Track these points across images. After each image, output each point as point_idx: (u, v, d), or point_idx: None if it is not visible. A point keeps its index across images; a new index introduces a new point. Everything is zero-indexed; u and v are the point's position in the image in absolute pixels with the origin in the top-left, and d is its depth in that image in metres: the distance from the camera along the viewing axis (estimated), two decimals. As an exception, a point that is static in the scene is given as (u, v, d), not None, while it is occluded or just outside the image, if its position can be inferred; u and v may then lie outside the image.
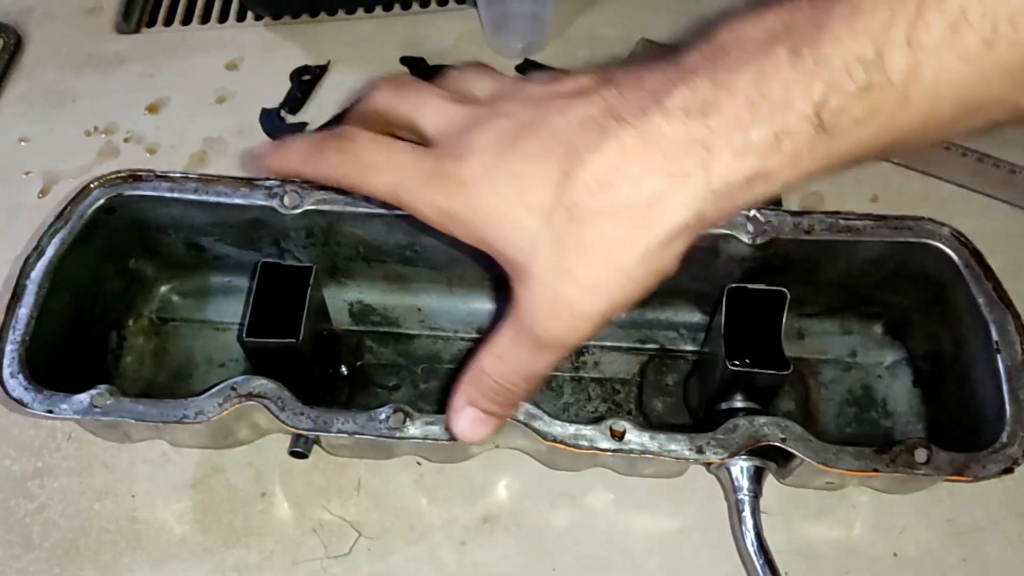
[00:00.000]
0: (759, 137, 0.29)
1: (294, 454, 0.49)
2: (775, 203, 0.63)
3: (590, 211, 0.32)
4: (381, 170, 0.36)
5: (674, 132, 0.30)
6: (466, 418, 0.39)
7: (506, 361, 0.37)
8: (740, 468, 0.46)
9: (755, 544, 0.46)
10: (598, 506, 0.52)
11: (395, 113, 0.39)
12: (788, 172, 0.30)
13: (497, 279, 0.56)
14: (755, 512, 0.46)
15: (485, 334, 0.57)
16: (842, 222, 0.49)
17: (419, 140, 0.38)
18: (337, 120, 0.69)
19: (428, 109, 0.37)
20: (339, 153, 0.38)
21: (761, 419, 0.44)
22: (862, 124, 0.29)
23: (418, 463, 0.53)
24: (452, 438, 0.42)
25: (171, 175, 0.51)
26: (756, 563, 0.46)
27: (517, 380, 0.37)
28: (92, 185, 0.50)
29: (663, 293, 0.55)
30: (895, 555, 0.50)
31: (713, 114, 0.30)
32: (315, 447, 0.50)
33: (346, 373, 0.56)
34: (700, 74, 0.30)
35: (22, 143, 0.71)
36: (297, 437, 0.49)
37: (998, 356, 0.46)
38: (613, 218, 0.31)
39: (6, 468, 0.55)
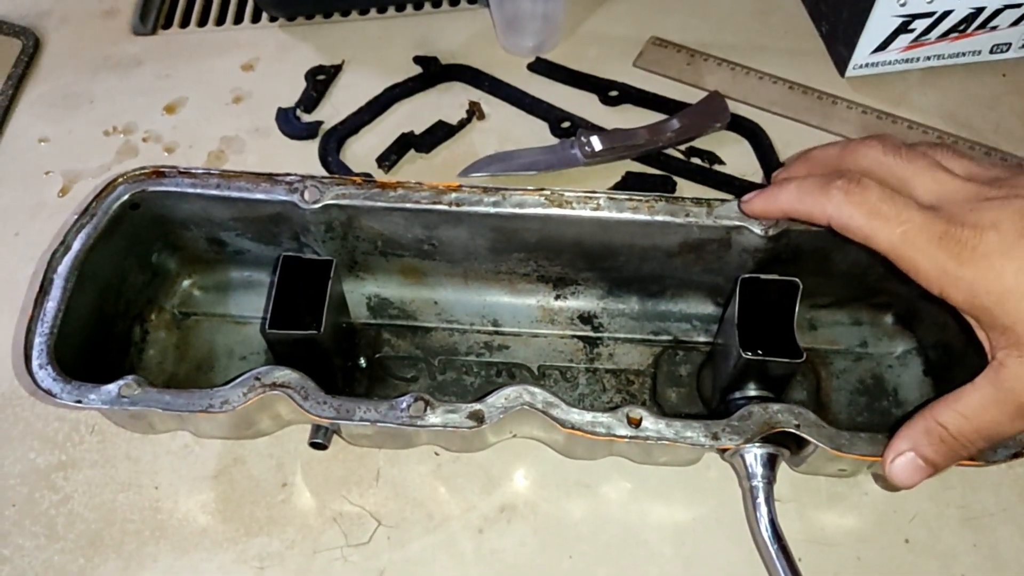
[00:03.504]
0: None
1: (314, 445, 0.50)
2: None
3: None
4: (889, 220, 0.40)
5: None
6: (905, 462, 0.41)
7: (972, 421, 0.40)
8: (754, 455, 0.47)
9: (769, 530, 0.47)
10: (614, 495, 0.53)
11: (887, 175, 0.42)
12: None
13: (511, 273, 0.57)
14: (769, 498, 0.47)
15: (500, 327, 0.58)
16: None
17: None
18: (357, 115, 0.71)
19: (928, 176, 0.41)
20: (847, 196, 0.41)
21: (775, 406, 0.45)
22: None
23: (436, 453, 0.54)
24: (884, 481, 0.47)
25: (194, 171, 0.52)
26: (771, 549, 0.46)
27: (978, 440, 0.40)
28: (117, 181, 0.51)
29: (676, 286, 0.56)
30: (907, 541, 0.51)
31: None
32: (335, 438, 0.51)
33: (364, 365, 0.57)
34: None
35: (42, 143, 0.72)
36: (317, 428, 0.50)
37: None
38: None
39: (31, 461, 0.55)
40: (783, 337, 0.48)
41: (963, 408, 0.40)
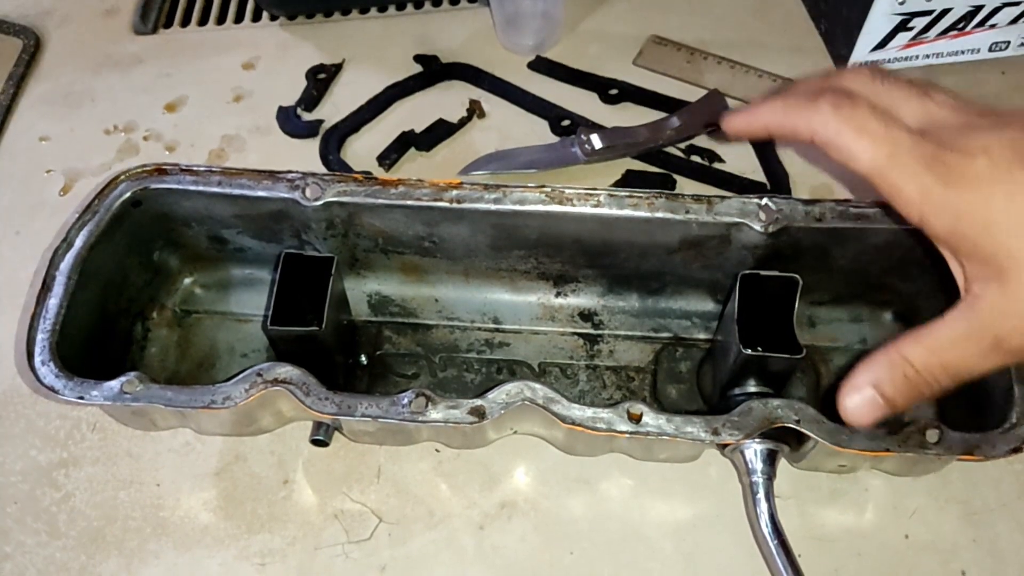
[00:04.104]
0: None
1: (315, 442, 0.50)
2: (785, 192, 0.64)
3: None
4: (876, 137, 0.38)
5: None
6: (863, 399, 0.39)
7: (940, 356, 0.38)
8: (754, 451, 0.47)
9: (769, 526, 0.47)
10: (614, 492, 0.53)
11: (875, 98, 0.40)
12: None
13: (512, 270, 0.57)
14: (769, 494, 0.47)
15: (501, 324, 0.59)
16: (852, 210, 0.50)
17: None
18: (357, 113, 0.71)
19: (914, 102, 0.39)
20: (836, 109, 0.39)
21: (775, 402, 0.45)
22: None
23: (436, 450, 0.54)
24: (837, 419, 0.42)
25: (195, 168, 0.52)
26: (771, 544, 0.46)
27: (944, 378, 0.38)
28: (119, 178, 0.52)
29: (676, 283, 0.57)
30: (906, 537, 0.51)
31: None
32: (336, 435, 0.51)
33: (365, 362, 0.57)
34: None
35: (43, 142, 0.72)
36: (318, 425, 0.50)
37: (1007, 339, 0.47)
38: None
39: (32, 459, 0.56)
40: (783, 333, 0.48)
41: (932, 342, 0.38)
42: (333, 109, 0.72)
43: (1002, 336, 0.36)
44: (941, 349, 0.38)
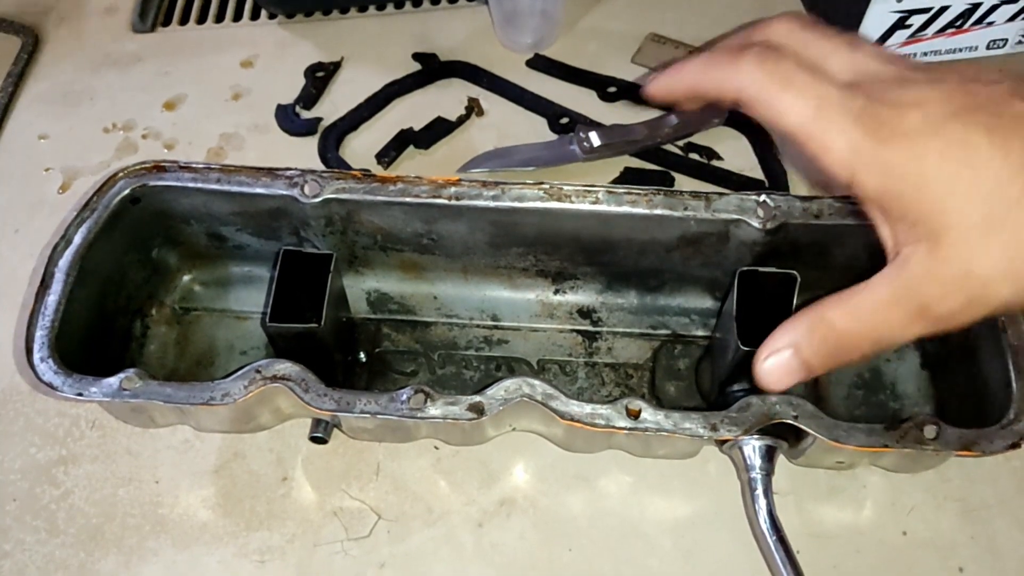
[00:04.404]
0: None
1: (314, 439, 0.50)
2: (783, 189, 0.65)
3: None
4: (803, 91, 0.35)
5: None
6: (780, 361, 0.37)
7: (864, 321, 0.35)
8: (752, 447, 0.47)
9: (768, 522, 0.47)
10: (613, 489, 0.53)
11: (802, 50, 0.37)
12: None
13: (510, 267, 0.57)
14: (768, 490, 0.47)
15: (499, 321, 0.59)
16: (850, 207, 0.50)
17: None
18: (356, 111, 0.71)
19: (846, 53, 0.37)
20: (759, 64, 0.36)
21: (773, 398, 0.45)
22: None
23: (435, 447, 0.54)
24: (751, 383, 0.40)
25: (194, 166, 0.52)
26: (769, 540, 0.47)
27: (866, 344, 0.36)
28: (118, 175, 0.52)
29: (675, 280, 0.57)
30: (904, 534, 0.51)
31: None
32: (335, 432, 0.51)
33: (364, 360, 0.57)
34: None
35: (42, 140, 0.72)
36: (317, 422, 0.50)
37: (1004, 335, 0.47)
38: None
39: (31, 456, 0.56)
40: (781, 330, 0.48)
41: (856, 306, 0.35)
42: (332, 107, 0.72)
43: (928, 302, 0.34)
44: (864, 313, 0.35)
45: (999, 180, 0.32)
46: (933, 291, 0.33)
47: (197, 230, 0.56)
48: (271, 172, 0.52)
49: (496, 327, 0.59)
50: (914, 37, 0.70)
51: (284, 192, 0.51)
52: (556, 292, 0.59)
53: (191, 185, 0.52)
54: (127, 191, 0.52)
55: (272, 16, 0.80)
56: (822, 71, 0.36)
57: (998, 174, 0.32)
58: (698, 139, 0.68)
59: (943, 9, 0.68)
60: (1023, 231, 0.32)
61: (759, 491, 0.47)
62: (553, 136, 0.69)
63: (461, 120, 0.71)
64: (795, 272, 0.48)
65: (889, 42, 0.70)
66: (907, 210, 0.34)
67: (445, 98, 0.72)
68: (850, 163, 0.34)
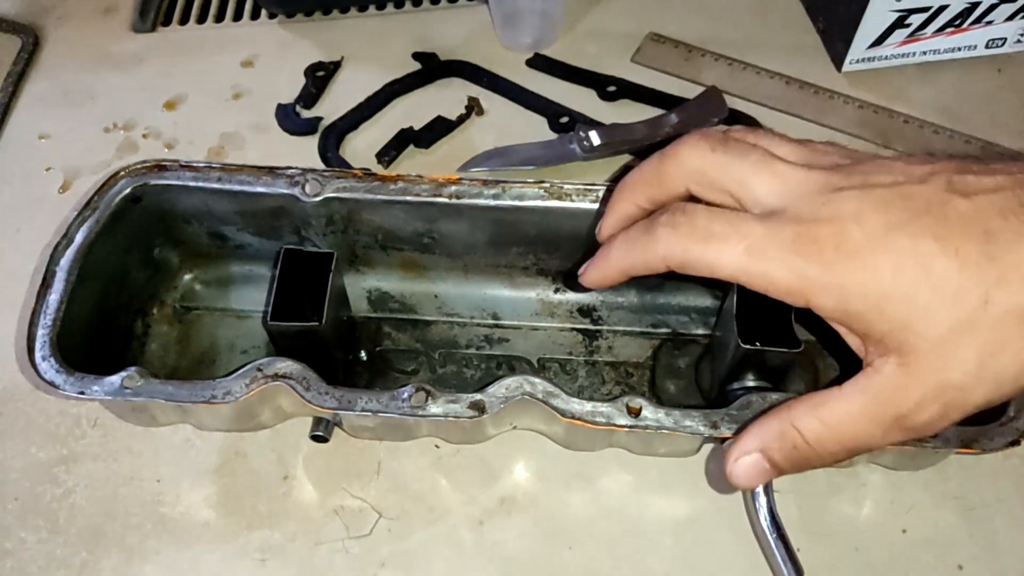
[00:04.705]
0: None
1: (315, 438, 0.50)
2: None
3: (1009, 304, 0.31)
4: (726, 239, 0.35)
5: None
6: (749, 464, 0.37)
7: (836, 432, 0.35)
8: (753, 445, 0.47)
9: (768, 520, 0.47)
10: (613, 487, 0.53)
11: (721, 173, 0.37)
12: None
13: (511, 266, 0.57)
14: (768, 488, 0.47)
15: (500, 320, 0.59)
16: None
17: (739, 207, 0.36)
18: (356, 111, 0.71)
19: (766, 172, 0.36)
20: (673, 229, 0.36)
21: (774, 395, 0.46)
22: None
23: (436, 446, 0.55)
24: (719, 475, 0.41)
25: (195, 164, 0.52)
26: (770, 538, 0.46)
27: (839, 452, 0.35)
28: (119, 174, 0.52)
29: (675, 278, 0.56)
30: (904, 531, 0.51)
31: None
32: (336, 431, 0.51)
33: (365, 358, 0.58)
34: None
35: (42, 140, 0.72)
36: (318, 421, 0.50)
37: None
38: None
39: (32, 455, 0.56)
40: (781, 329, 0.49)
41: (827, 416, 0.35)
42: (332, 106, 0.72)
43: (903, 414, 0.33)
44: (836, 424, 0.35)
45: (959, 287, 0.31)
46: (908, 403, 0.33)
47: (198, 229, 0.56)
48: (272, 171, 0.52)
49: (497, 326, 0.59)
50: (913, 36, 0.70)
51: (285, 191, 0.51)
52: (556, 291, 0.59)
53: (192, 184, 0.52)
54: (128, 190, 0.52)
55: (272, 16, 0.80)
56: (737, 213, 0.36)
57: (957, 280, 0.31)
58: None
59: (942, 8, 0.68)
60: (990, 333, 0.31)
61: (759, 489, 0.47)
62: (553, 135, 0.69)
63: (461, 119, 0.71)
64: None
65: (888, 41, 0.70)
66: (871, 328, 0.33)
67: (445, 97, 0.72)
68: (801, 290, 0.34)
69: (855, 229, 0.32)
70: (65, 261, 0.49)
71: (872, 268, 0.32)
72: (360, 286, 0.59)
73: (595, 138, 0.66)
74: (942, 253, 0.32)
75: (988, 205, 0.32)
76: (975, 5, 0.68)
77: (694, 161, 0.38)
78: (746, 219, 0.35)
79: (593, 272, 0.42)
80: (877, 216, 0.32)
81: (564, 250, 0.55)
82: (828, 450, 0.36)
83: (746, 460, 0.37)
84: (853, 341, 0.35)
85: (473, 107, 0.71)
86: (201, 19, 0.80)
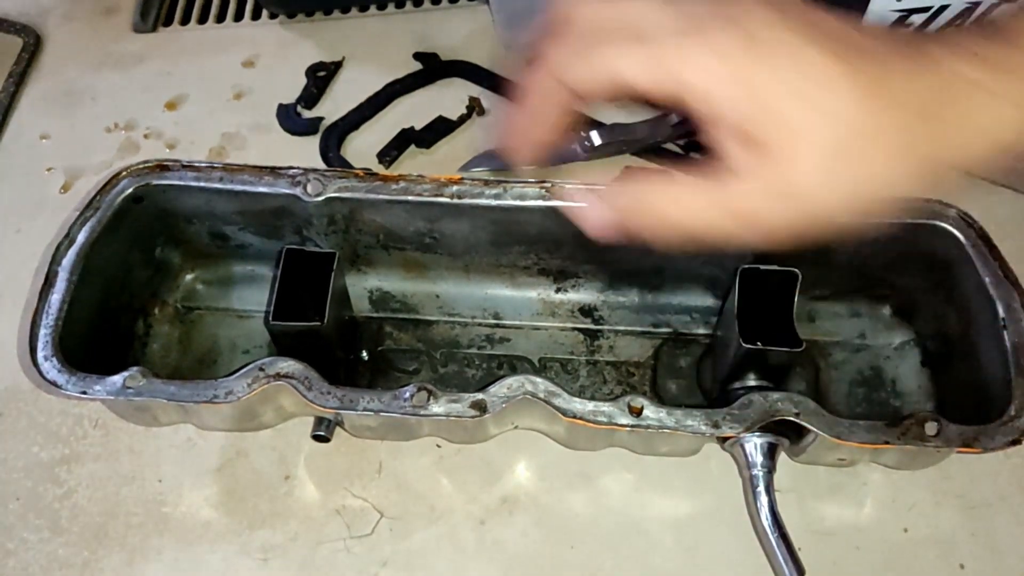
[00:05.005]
0: None
1: (317, 438, 0.50)
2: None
3: (878, 122, 0.32)
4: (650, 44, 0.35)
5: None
6: (596, 206, 0.38)
7: (685, 207, 0.35)
8: (754, 444, 0.47)
9: (770, 519, 0.47)
10: (614, 487, 0.53)
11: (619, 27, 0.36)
12: None
13: (512, 266, 0.57)
14: (769, 487, 0.47)
15: (501, 320, 0.59)
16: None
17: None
18: (357, 111, 0.71)
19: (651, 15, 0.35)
20: (638, 43, 0.36)
21: (775, 395, 0.46)
22: None
23: (437, 445, 0.55)
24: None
25: (197, 164, 0.52)
26: (771, 537, 0.47)
27: (668, 230, 0.36)
28: (121, 174, 0.52)
29: (676, 278, 0.57)
30: (905, 531, 0.51)
31: None
32: (337, 431, 0.51)
33: (367, 358, 0.58)
34: None
35: (44, 140, 0.72)
36: (320, 421, 0.50)
37: (1004, 333, 0.47)
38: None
39: (34, 455, 0.56)
40: (782, 328, 0.49)
41: (679, 193, 0.36)
42: (333, 106, 0.72)
43: (752, 208, 0.34)
44: (687, 204, 0.36)
45: (850, 106, 0.32)
46: (766, 203, 0.33)
47: (200, 229, 0.56)
48: (274, 171, 0.52)
49: (498, 325, 0.59)
50: (914, 36, 0.70)
51: (287, 191, 0.51)
52: (558, 291, 0.59)
53: (194, 184, 0.52)
54: (130, 190, 0.52)
55: (273, 16, 0.80)
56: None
57: (848, 100, 0.32)
58: (699, 138, 0.68)
59: (943, 8, 0.68)
60: (867, 160, 0.32)
61: (761, 488, 0.47)
62: (554, 135, 0.69)
63: (462, 119, 0.71)
64: (796, 270, 0.49)
65: (889, 41, 0.70)
66: (761, 126, 0.33)
67: (446, 97, 0.72)
68: (733, 89, 0.34)
69: (769, 33, 0.33)
70: (67, 261, 0.49)
71: (783, 70, 0.32)
72: (362, 286, 0.59)
73: (596, 138, 0.66)
74: (841, 74, 0.32)
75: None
76: (975, 5, 0.68)
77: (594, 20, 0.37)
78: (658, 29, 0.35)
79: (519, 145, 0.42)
80: (787, 30, 0.33)
81: (565, 250, 0.55)
82: (669, 225, 0.36)
83: (595, 209, 0.38)
84: (717, 135, 0.36)
85: (474, 107, 0.71)
86: (202, 19, 0.80)
